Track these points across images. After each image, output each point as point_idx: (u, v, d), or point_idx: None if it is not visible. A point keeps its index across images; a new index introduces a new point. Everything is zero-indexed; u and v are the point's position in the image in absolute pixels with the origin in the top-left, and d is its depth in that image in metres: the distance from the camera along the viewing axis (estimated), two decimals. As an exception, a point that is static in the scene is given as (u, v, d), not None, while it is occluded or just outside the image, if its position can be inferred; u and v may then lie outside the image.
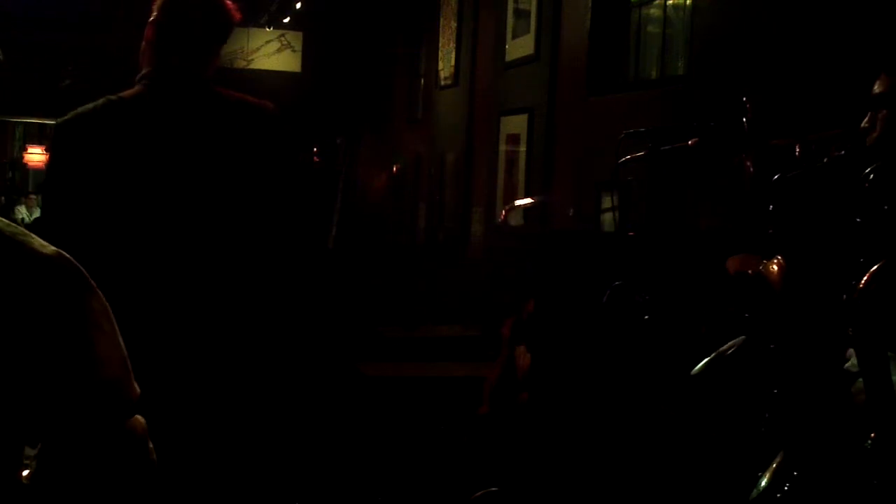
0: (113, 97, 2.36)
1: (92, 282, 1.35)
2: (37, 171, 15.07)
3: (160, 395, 2.24)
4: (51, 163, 2.40)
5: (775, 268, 2.05)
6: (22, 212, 13.46)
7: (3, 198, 14.77)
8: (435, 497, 4.32)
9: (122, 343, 1.37)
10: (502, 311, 4.93)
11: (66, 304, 1.30)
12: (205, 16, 2.42)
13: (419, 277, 7.74)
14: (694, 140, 3.24)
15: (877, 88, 2.10)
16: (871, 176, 2.02)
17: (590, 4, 5.22)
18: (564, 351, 3.62)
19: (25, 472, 1.34)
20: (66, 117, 2.35)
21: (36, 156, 15.01)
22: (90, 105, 2.36)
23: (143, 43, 2.43)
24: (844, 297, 1.86)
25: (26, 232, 1.33)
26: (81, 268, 1.34)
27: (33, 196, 13.81)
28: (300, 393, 5.12)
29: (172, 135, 2.35)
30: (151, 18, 2.43)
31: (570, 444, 3.57)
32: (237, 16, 2.48)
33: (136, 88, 2.40)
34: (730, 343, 2.27)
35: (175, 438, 2.24)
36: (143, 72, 2.42)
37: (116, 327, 1.37)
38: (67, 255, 1.34)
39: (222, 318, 2.38)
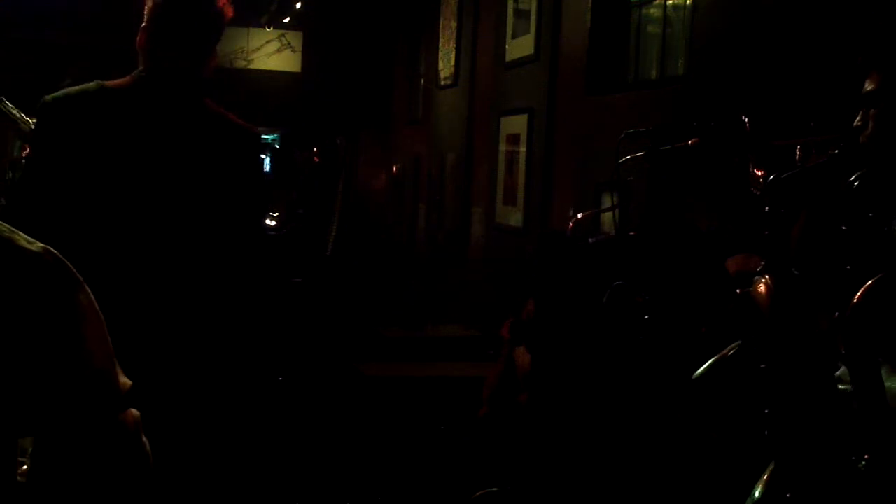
0: (103, 83, 2.39)
1: (79, 276, 1.36)
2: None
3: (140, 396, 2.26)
4: (33, 139, 2.43)
5: (763, 288, 2.04)
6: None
7: (3, 199, 14.73)
8: (435, 497, 4.32)
9: (108, 337, 1.38)
10: (502, 311, 4.93)
11: (55, 300, 1.31)
12: (194, 16, 2.43)
13: (419, 277, 7.74)
14: (694, 140, 3.24)
15: (868, 86, 2.10)
16: (857, 182, 2.01)
17: (590, 4, 5.22)
18: (564, 351, 3.62)
19: (22, 468, 1.35)
20: (53, 95, 2.38)
21: (36, 156, 15.01)
22: (79, 87, 2.38)
23: (137, 48, 2.45)
24: (837, 314, 1.84)
25: (12, 228, 1.33)
26: (68, 263, 1.35)
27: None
28: (300, 393, 5.12)
29: (151, 129, 2.38)
30: (143, 25, 2.45)
31: (569, 444, 3.57)
32: (229, 11, 2.49)
33: (126, 79, 2.42)
34: (731, 346, 2.26)
35: (160, 438, 2.26)
36: (139, 69, 2.45)
37: (103, 321, 1.38)
38: (54, 251, 1.34)
39: (191, 314, 2.39)
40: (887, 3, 3.09)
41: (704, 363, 2.30)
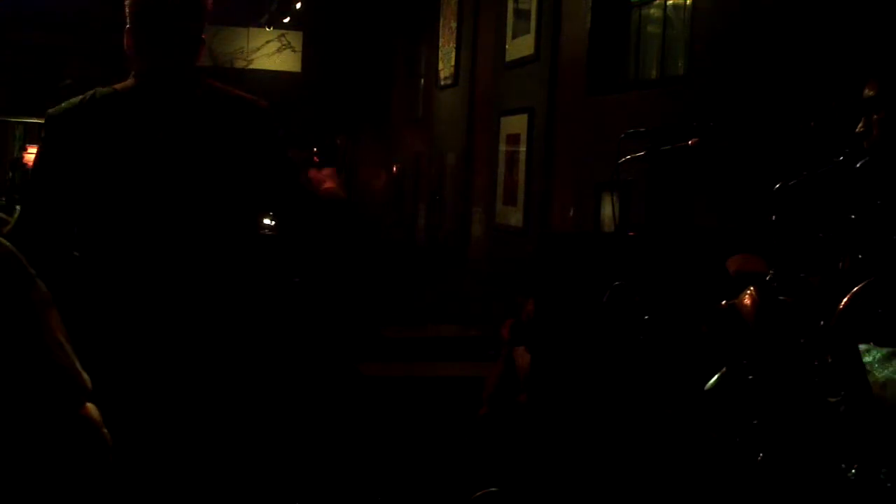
0: (104, 89, 2.38)
1: (31, 271, 1.35)
2: (37, 171, 15.08)
3: (147, 392, 2.25)
4: (39, 154, 2.42)
5: (748, 301, 2.03)
6: (22, 212, 13.45)
7: (3, 198, 14.72)
8: (435, 497, 4.32)
9: (66, 333, 1.38)
10: (502, 311, 4.93)
11: (10, 294, 1.31)
12: (173, 9, 2.41)
13: (419, 277, 7.74)
14: (694, 140, 3.24)
15: (867, 92, 2.12)
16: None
17: (590, 4, 5.22)
18: (564, 351, 3.62)
19: None
20: (55, 109, 2.38)
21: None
22: (80, 97, 2.38)
23: (126, 52, 2.44)
24: (822, 322, 1.84)
25: None
26: (21, 257, 1.34)
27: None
28: (300, 393, 5.12)
29: (162, 128, 2.36)
30: (126, 27, 2.43)
31: (569, 444, 3.57)
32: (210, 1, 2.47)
33: (128, 81, 2.41)
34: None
35: (168, 436, 2.25)
36: (133, 72, 2.44)
37: (59, 318, 1.37)
38: (5, 243, 1.34)
39: (209, 312, 2.38)
40: (885, 12, 3.08)
41: (706, 365, 2.30)
